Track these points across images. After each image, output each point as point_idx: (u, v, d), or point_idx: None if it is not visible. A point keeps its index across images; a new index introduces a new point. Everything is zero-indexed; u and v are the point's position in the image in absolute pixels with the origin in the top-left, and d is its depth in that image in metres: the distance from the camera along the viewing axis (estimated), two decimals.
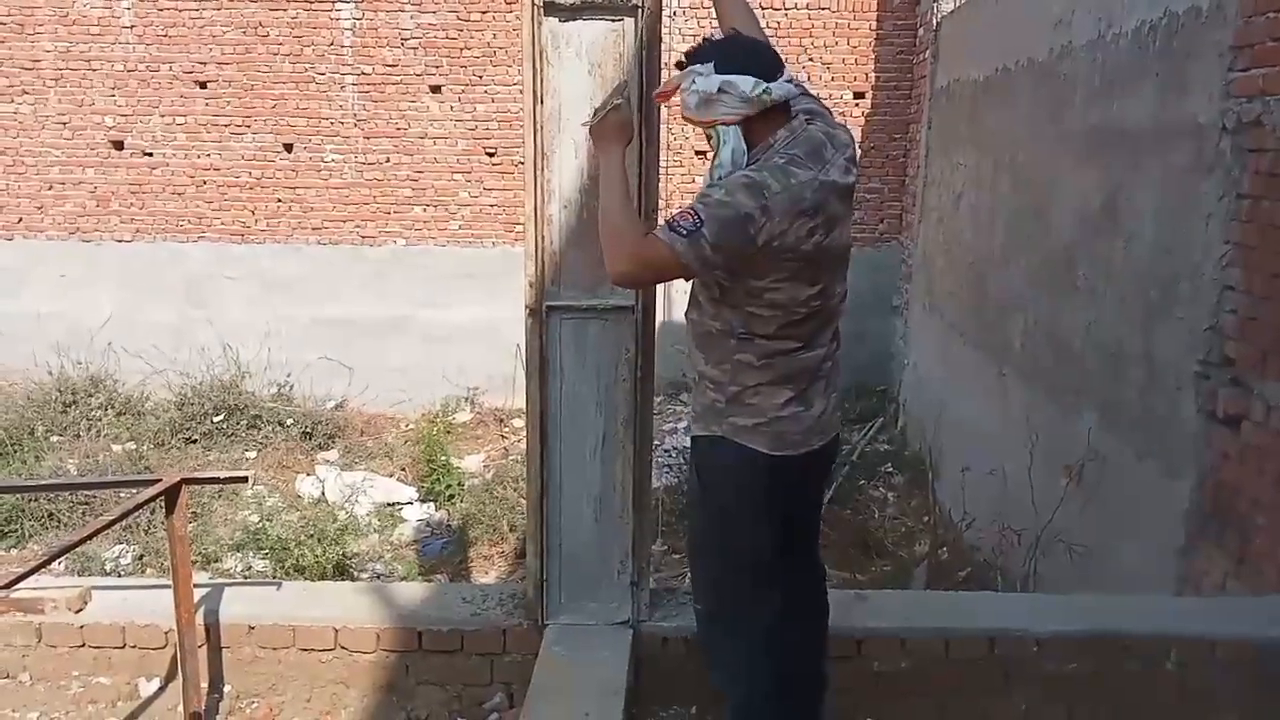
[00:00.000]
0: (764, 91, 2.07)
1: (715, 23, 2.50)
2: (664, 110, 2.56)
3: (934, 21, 7.89)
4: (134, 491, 2.54)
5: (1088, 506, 4.52)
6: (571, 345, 2.58)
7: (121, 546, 6.22)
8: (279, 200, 8.94)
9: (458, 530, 7.00)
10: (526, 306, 2.57)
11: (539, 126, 2.44)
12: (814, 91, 2.41)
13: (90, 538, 2.21)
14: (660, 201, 2.62)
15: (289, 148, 8.88)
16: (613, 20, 2.45)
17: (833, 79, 8.69)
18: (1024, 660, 2.69)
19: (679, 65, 2.25)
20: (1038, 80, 5.41)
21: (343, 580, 5.79)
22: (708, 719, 2.71)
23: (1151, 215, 4.07)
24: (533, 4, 2.43)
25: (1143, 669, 2.66)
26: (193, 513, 6.85)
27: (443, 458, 7.82)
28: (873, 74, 8.81)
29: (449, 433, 8.62)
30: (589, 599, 2.74)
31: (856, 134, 8.57)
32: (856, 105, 8.81)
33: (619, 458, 2.64)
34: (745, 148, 2.11)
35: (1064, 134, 5.02)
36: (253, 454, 7.99)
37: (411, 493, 7.54)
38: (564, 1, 2.44)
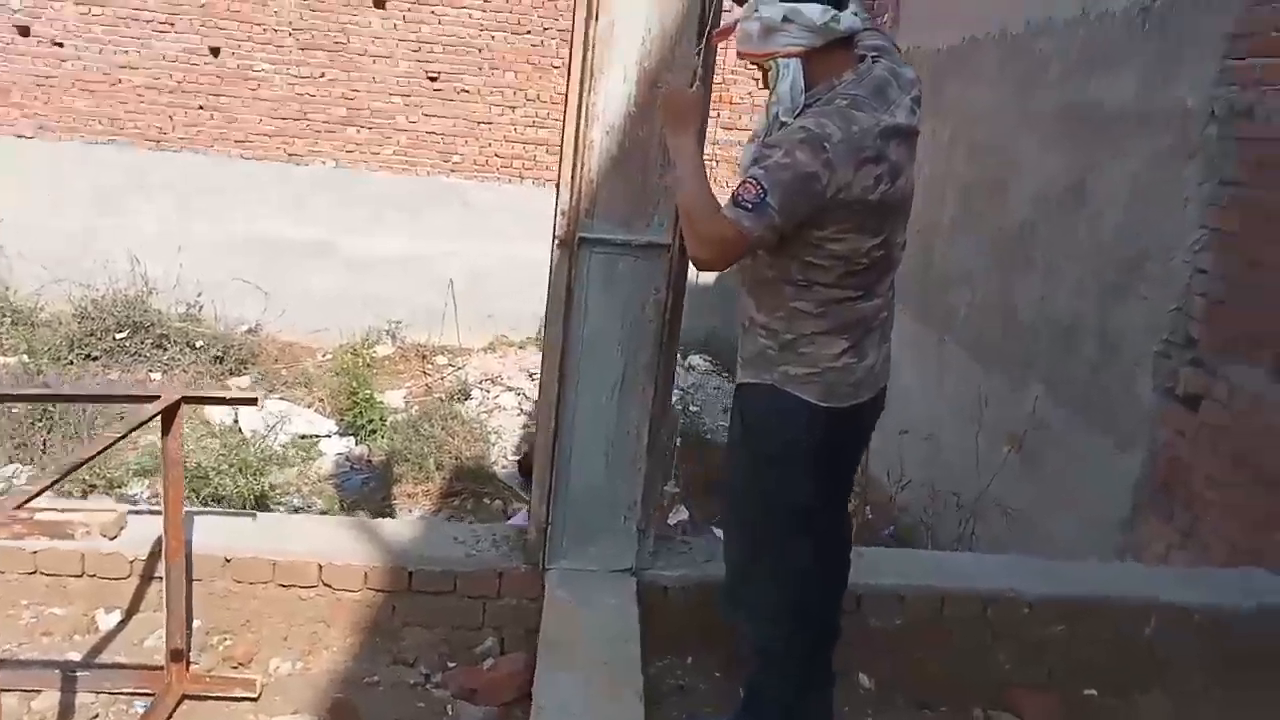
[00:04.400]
0: (832, 19, 1.97)
1: None
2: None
3: None
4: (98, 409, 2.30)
5: (1028, 475, 4.66)
6: (599, 281, 2.45)
7: None
8: (200, 108, 8.34)
9: (380, 466, 6.79)
10: (556, 237, 2.43)
11: (590, 44, 2.28)
12: None
13: (99, 454, 2.03)
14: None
15: (215, 52, 8.26)
16: None
17: None
18: (1013, 621, 2.74)
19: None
20: (1008, 54, 5.44)
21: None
22: (704, 670, 2.68)
23: (1122, 197, 4.15)
24: None
25: (1122, 635, 2.76)
26: (90, 433, 6.45)
27: (365, 391, 7.55)
28: None
29: (369, 366, 8.33)
30: (591, 544, 2.65)
31: None
32: None
33: (637, 402, 2.54)
34: (804, 85, 2.01)
35: (1032, 110, 5.07)
36: (158, 375, 7.57)
37: (331, 425, 7.26)
38: None
